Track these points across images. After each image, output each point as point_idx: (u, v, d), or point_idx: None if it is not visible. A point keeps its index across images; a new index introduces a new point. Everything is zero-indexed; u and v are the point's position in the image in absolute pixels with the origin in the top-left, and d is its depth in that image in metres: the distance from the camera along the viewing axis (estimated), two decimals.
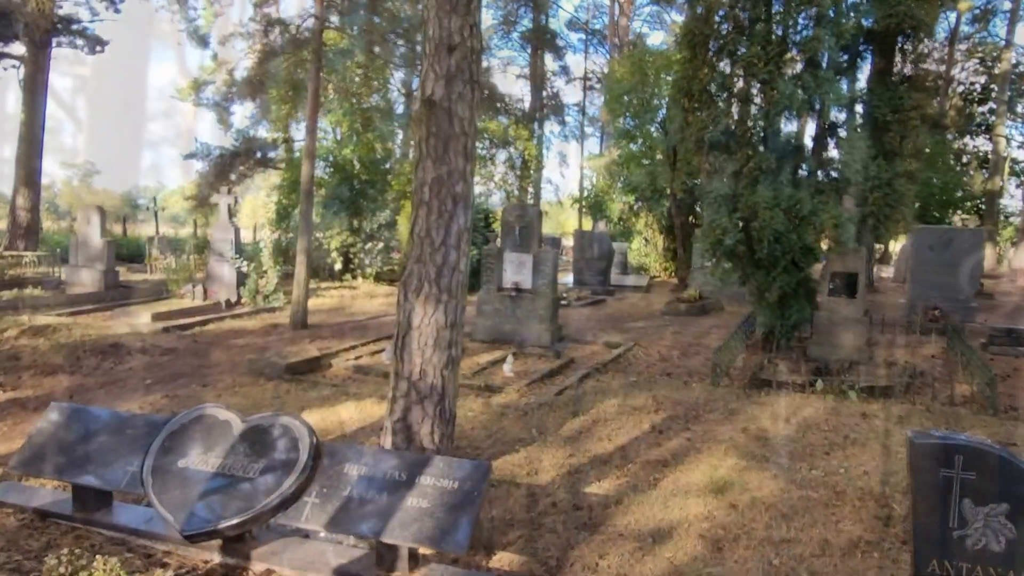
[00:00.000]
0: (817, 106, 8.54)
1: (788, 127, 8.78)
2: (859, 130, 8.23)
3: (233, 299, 12.19)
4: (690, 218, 19.26)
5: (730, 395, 6.63)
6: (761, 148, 8.39)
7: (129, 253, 22.25)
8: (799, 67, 8.52)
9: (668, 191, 17.99)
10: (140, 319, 10.16)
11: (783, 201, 8.13)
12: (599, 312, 13.00)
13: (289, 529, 3.40)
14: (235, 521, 3.22)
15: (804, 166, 8.62)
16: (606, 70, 35.35)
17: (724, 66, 8.64)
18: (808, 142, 9.02)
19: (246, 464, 3.39)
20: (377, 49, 15.40)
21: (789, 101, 7.91)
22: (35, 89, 19.50)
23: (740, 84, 8.53)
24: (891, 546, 3.63)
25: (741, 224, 8.31)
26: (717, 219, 8.38)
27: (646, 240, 21.46)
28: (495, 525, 3.89)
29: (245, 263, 12.29)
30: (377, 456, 3.41)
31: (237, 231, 12.47)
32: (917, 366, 8.08)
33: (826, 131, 8.60)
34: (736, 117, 8.50)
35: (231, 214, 12.45)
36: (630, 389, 6.86)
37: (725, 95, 8.63)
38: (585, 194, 28.64)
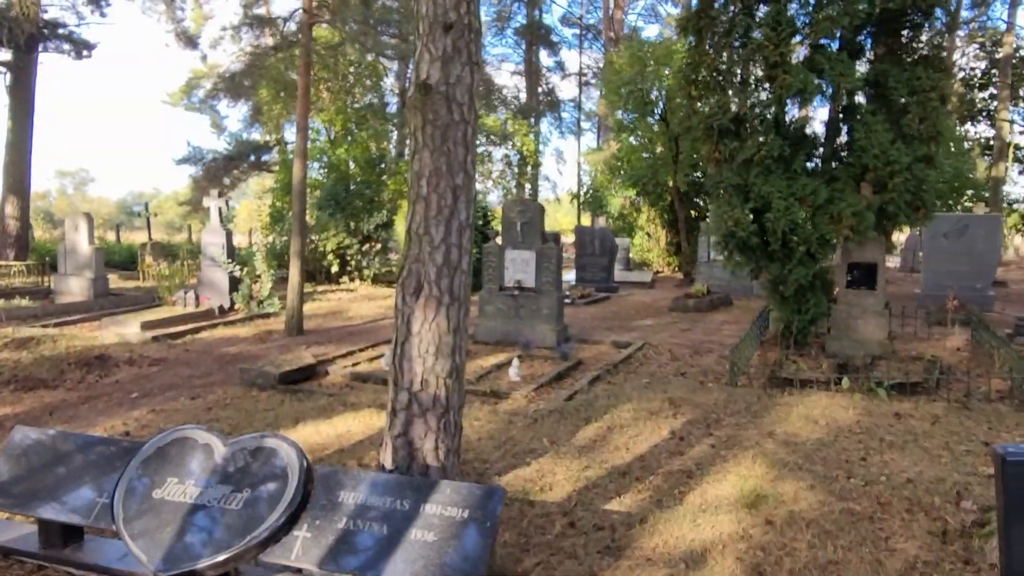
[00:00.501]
0: (830, 90, 8.18)
1: (800, 112, 8.42)
2: (875, 114, 7.84)
3: (226, 305, 11.81)
4: (692, 212, 18.92)
5: (750, 396, 6.25)
6: (773, 135, 8.02)
7: (122, 260, 21.94)
8: (804, 50, 8.17)
9: (671, 184, 17.62)
10: (129, 328, 9.77)
11: (797, 190, 7.77)
12: (604, 310, 12.62)
13: (278, 567, 3.01)
14: (218, 559, 2.84)
15: (818, 153, 8.24)
16: (602, 65, 35.00)
17: (731, 51, 8.26)
18: (820, 128, 8.67)
19: (229, 494, 3.01)
20: (369, 43, 14.95)
21: (803, 85, 7.53)
22: (22, 95, 19.10)
23: (749, 69, 8.15)
24: (953, 567, 3.26)
25: (752, 215, 7.95)
26: (728, 210, 8.00)
27: (648, 235, 21.10)
28: (508, 551, 3.51)
29: (238, 268, 11.90)
30: (376, 481, 3.03)
31: (229, 235, 12.07)
32: (943, 360, 7.71)
33: (839, 116, 8.21)
34: (746, 103, 8.12)
35: (222, 217, 12.06)
36: (644, 391, 6.49)
37: (733, 81, 8.25)
38: (583, 190, 28.25)
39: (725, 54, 8.10)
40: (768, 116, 8.10)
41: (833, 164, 8.24)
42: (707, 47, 8.24)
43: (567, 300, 12.96)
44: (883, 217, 7.96)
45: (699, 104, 8.63)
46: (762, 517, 3.79)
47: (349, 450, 5.05)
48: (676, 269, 19.97)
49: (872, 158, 7.56)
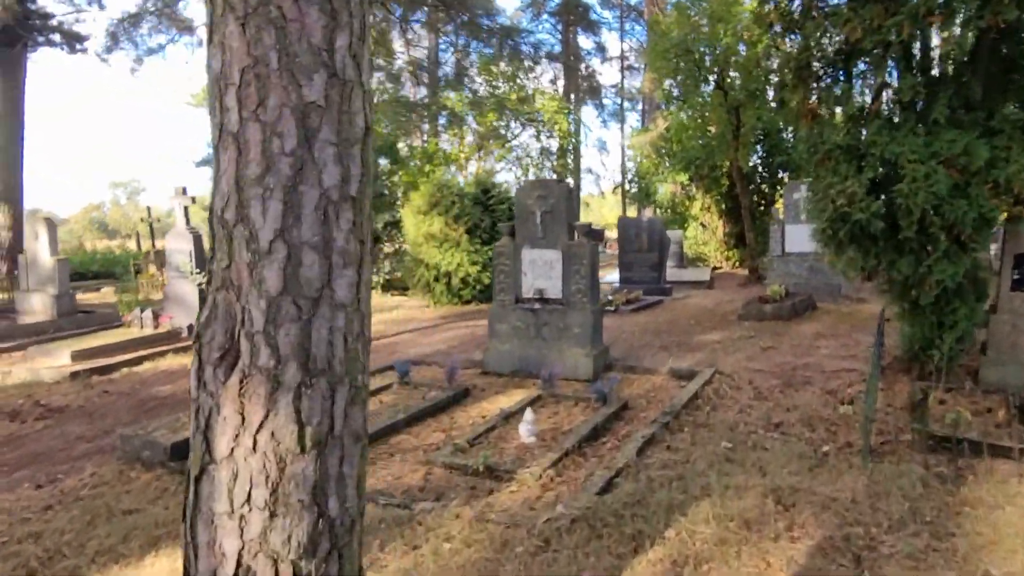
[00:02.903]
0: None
1: (939, 37, 5.89)
2: None
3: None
4: (756, 197, 16.27)
5: (907, 480, 3.79)
6: (902, 71, 5.53)
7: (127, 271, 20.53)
8: None
9: (729, 165, 14.98)
10: (55, 360, 7.81)
11: (941, 149, 5.26)
12: (656, 319, 10.16)
13: None
14: None
15: (969, 96, 5.68)
16: (645, 44, 32.31)
17: None
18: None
19: None
20: None
21: None
22: (10, 94, 17.57)
23: None
24: None
25: (871, 189, 5.48)
26: (837, 183, 5.53)
27: (703, 226, 18.47)
28: None
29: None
30: None
31: (198, 239, 10.04)
32: None
33: (1001, 39, 5.62)
34: (858, 29, 5.61)
35: (188, 218, 10.03)
36: (726, 469, 4.09)
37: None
38: (628, 178, 25.66)
39: None
40: (897, 45, 5.58)
41: (988, 113, 5.66)
42: None
43: (609, 308, 10.57)
44: None
45: (787, 40, 6.21)
46: None
47: None
48: (737, 264, 17.31)
49: None
